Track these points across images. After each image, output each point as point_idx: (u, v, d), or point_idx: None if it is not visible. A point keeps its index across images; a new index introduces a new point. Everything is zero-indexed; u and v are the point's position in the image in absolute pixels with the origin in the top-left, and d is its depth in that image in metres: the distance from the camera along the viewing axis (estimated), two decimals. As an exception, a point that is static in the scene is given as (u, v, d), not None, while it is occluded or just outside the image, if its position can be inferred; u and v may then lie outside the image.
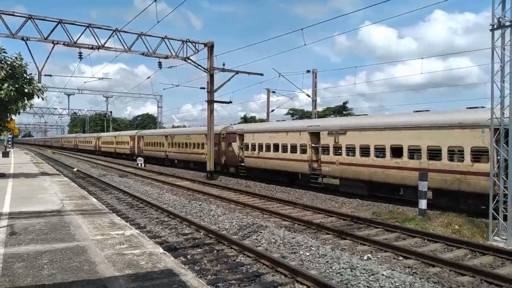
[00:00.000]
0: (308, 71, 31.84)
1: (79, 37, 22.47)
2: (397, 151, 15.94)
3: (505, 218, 10.09)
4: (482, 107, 14.53)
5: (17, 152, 54.63)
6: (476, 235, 10.70)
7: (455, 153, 14.09)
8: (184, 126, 61.72)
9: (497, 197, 10.21)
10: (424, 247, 9.88)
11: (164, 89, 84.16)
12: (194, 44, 25.51)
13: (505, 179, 10.13)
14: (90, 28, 22.00)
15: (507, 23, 9.83)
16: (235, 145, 26.49)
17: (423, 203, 13.26)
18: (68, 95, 56.76)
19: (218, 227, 11.51)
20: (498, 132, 10.42)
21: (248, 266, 8.00)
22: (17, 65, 16.73)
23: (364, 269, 7.43)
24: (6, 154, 38.52)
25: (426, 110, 16.65)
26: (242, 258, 8.54)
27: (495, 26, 10.03)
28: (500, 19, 9.93)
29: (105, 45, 22.83)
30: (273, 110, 40.24)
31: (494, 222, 10.37)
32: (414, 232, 10.99)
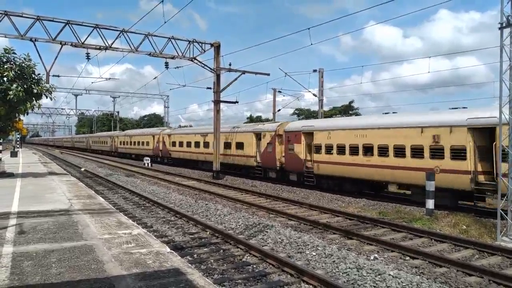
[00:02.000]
0: (314, 71, 31.73)
1: (87, 38, 22.62)
2: (228, 145, 27.61)
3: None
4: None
5: (25, 152, 55.14)
6: (484, 235, 10.60)
7: (246, 146, 25.59)
8: (191, 126, 62.53)
9: (505, 197, 10.11)
10: (431, 247, 9.82)
11: (171, 89, 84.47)
12: (200, 44, 25.55)
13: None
14: (98, 29, 22.14)
15: (516, 22, 9.74)
16: (167, 143, 38.71)
17: (430, 203, 13.17)
18: (76, 95, 57.19)
19: (225, 227, 11.54)
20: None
21: (254, 266, 8.01)
22: (25, 65, 16.89)
23: (370, 269, 7.40)
24: (14, 154, 38.91)
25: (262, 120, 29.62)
26: (248, 257, 8.55)
27: (504, 25, 9.94)
28: (509, 18, 9.84)
29: (112, 46, 22.95)
30: (279, 110, 40.20)
31: (503, 222, 10.28)
32: (421, 232, 10.93)
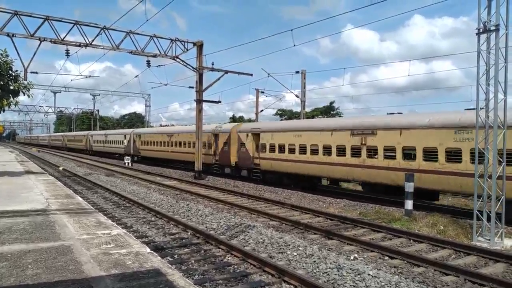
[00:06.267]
0: (297, 72, 31.92)
1: (66, 34, 22.09)
2: (112, 141, 50.50)
3: (488, 219, 10.27)
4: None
5: (1, 150, 53.68)
6: (461, 236, 10.86)
7: (119, 143, 47.98)
8: (173, 125, 62.57)
9: (481, 198, 10.36)
10: (409, 247, 10.00)
11: (152, 88, 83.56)
12: (183, 43, 25.36)
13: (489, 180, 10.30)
14: (78, 26, 21.70)
15: (492, 28, 10.01)
16: (90, 140, 57.74)
17: (409, 204, 13.41)
18: (55, 92, 55.94)
19: (206, 227, 11.48)
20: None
21: (236, 266, 8.00)
22: (2, 61, 16.44)
23: (350, 268, 7.48)
24: (-11, 152, 37.80)
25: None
26: (230, 258, 8.53)
27: (481, 30, 10.20)
28: (486, 23, 10.11)
29: (92, 43, 22.56)
30: (262, 111, 40.22)
31: (478, 223, 10.54)
32: (400, 232, 11.11)
